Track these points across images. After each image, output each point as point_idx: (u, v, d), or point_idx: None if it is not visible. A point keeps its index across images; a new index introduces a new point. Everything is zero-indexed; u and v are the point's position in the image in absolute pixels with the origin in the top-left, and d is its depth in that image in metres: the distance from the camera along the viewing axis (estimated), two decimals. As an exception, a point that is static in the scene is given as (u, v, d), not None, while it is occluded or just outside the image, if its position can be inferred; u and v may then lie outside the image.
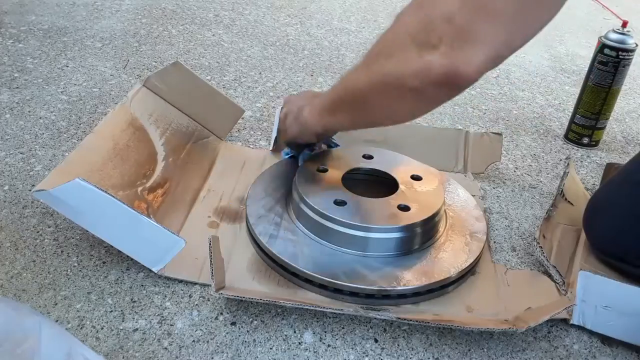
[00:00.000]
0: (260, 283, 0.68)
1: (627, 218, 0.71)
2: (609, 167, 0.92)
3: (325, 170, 0.78)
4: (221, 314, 0.65)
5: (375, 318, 0.65)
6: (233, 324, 0.64)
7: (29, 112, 1.02)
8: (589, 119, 1.08)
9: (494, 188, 0.93)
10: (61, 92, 1.10)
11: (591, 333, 0.66)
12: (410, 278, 0.67)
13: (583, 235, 0.77)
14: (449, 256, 0.71)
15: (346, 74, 0.68)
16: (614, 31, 1.03)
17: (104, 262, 0.70)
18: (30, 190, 0.81)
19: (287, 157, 0.89)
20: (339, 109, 0.70)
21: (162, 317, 0.63)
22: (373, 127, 0.77)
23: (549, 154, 1.06)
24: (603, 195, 0.77)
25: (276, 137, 0.94)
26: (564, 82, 1.42)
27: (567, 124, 1.13)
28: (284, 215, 0.75)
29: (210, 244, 0.62)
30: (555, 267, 0.72)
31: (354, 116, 0.68)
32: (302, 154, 0.84)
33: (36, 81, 1.13)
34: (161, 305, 0.65)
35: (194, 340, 0.61)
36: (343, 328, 0.64)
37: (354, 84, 0.65)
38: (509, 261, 0.77)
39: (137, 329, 0.62)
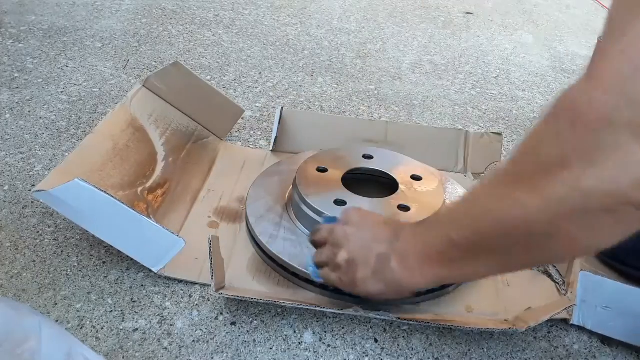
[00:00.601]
0: (260, 283, 0.68)
1: None
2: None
3: (325, 170, 0.78)
4: (221, 314, 0.65)
5: (375, 318, 0.65)
6: (233, 324, 0.64)
7: (29, 112, 1.02)
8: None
9: (494, 188, 0.93)
10: (61, 92, 1.10)
11: (591, 333, 0.66)
12: (410, 278, 0.67)
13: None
14: (449, 256, 0.71)
15: (472, 198, 0.49)
16: (614, 31, 1.03)
17: (104, 262, 0.70)
18: (30, 190, 0.81)
19: (317, 279, 0.64)
20: (473, 254, 0.48)
21: (162, 317, 0.63)
22: (531, 267, 0.57)
23: (549, 154, 1.06)
24: None
25: (276, 137, 0.94)
26: (564, 82, 1.42)
27: (567, 124, 1.13)
28: (284, 215, 0.75)
29: (210, 244, 0.62)
30: (555, 266, 0.72)
31: (506, 261, 0.48)
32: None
33: (36, 81, 1.13)
34: (161, 305, 0.65)
35: (194, 340, 0.61)
36: (343, 328, 0.64)
37: (506, 215, 0.44)
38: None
39: (137, 329, 0.62)
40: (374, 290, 0.56)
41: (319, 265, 0.61)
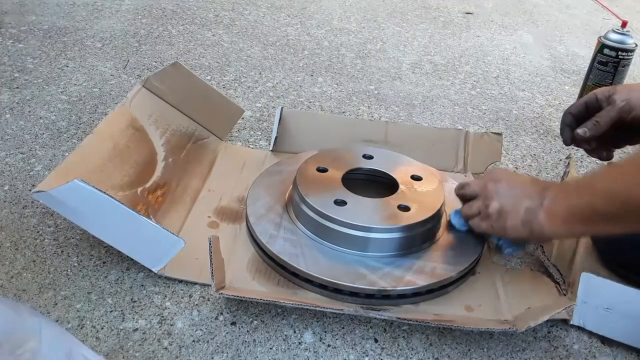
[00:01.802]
0: (260, 283, 0.68)
1: None
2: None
3: (325, 170, 0.78)
4: (221, 313, 0.65)
5: (375, 318, 0.65)
6: (233, 323, 0.64)
7: (29, 112, 1.02)
8: (588, 119, 1.07)
9: (494, 188, 0.93)
10: (61, 92, 1.10)
11: (591, 333, 0.66)
12: (410, 278, 0.67)
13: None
14: (449, 256, 0.71)
15: (620, 171, 0.58)
16: (614, 31, 1.03)
17: (104, 262, 0.70)
18: (30, 191, 0.81)
19: (462, 228, 0.74)
20: (615, 221, 0.57)
21: (162, 317, 0.63)
22: None
23: (549, 154, 1.07)
24: None
25: (276, 137, 0.94)
26: (563, 82, 1.42)
27: (567, 124, 1.13)
28: (284, 215, 0.75)
29: (210, 244, 0.62)
30: (555, 266, 0.72)
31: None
32: (508, 250, 0.72)
33: (36, 81, 1.13)
34: (161, 305, 0.65)
35: (194, 340, 0.61)
36: (343, 328, 0.64)
37: None
38: (509, 261, 0.77)
39: (137, 329, 0.62)
40: (521, 235, 0.66)
41: (468, 217, 0.72)
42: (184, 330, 0.62)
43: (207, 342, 0.61)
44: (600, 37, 1.03)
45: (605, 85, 1.04)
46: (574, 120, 0.77)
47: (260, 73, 1.28)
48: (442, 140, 0.96)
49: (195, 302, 0.66)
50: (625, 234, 0.61)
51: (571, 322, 0.66)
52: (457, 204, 0.81)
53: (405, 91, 1.26)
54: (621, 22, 1.04)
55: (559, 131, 1.16)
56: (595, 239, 0.74)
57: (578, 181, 0.65)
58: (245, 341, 0.62)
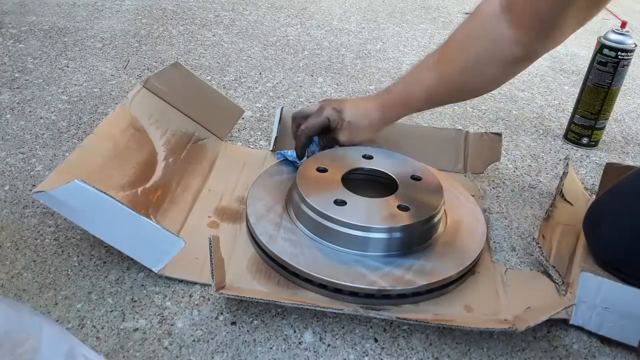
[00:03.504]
0: (260, 283, 0.68)
1: (632, 231, 0.70)
2: (609, 167, 0.92)
3: (325, 170, 0.78)
4: (221, 313, 0.65)
5: (375, 318, 0.65)
6: (233, 323, 0.64)
7: (30, 112, 1.02)
8: (588, 119, 1.08)
9: (493, 188, 0.93)
10: (62, 92, 1.10)
11: (590, 333, 0.66)
12: (410, 278, 0.67)
13: (582, 236, 0.77)
14: (448, 256, 0.71)
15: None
16: (613, 31, 1.03)
17: (104, 262, 0.70)
18: (30, 191, 0.81)
19: (283, 157, 0.89)
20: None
21: (163, 316, 0.64)
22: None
23: (549, 154, 1.07)
24: (607, 205, 0.76)
25: (276, 137, 0.94)
26: (563, 82, 1.42)
27: (566, 124, 1.13)
28: (284, 215, 0.75)
29: (210, 244, 0.62)
30: (554, 267, 0.72)
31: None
32: (308, 152, 0.85)
33: (37, 81, 1.13)
34: (161, 305, 0.65)
35: (194, 340, 0.61)
36: (343, 328, 0.65)
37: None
38: (508, 261, 0.77)
39: (137, 329, 0.62)
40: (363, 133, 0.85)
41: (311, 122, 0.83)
42: (184, 330, 0.62)
43: (207, 341, 0.61)
44: (599, 38, 1.03)
45: (605, 85, 1.04)
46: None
47: (260, 73, 1.28)
48: (442, 140, 0.96)
49: (196, 302, 0.66)
50: (611, 235, 0.71)
51: (571, 322, 0.66)
52: (458, 203, 0.81)
53: (405, 91, 1.26)
54: (621, 22, 1.04)
55: (558, 131, 1.16)
56: (591, 243, 0.74)
57: (403, 93, 0.81)
58: (246, 341, 0.62)
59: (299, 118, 0.85)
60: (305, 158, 0.85)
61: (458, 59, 0.74)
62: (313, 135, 0.84)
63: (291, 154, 0.87)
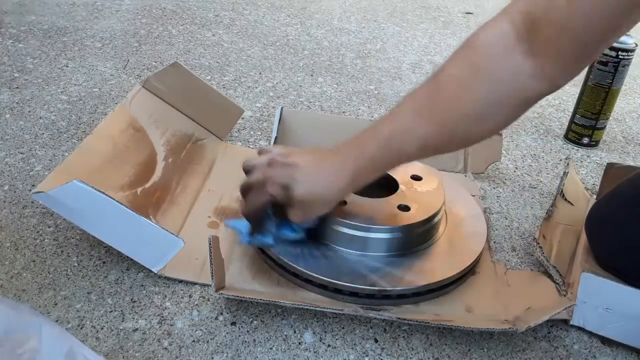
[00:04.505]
0: (260, 283, 0.68)
1: (633, 233, 0.70)
2: (609, 167, 0.92)
3: (325, 170, 0.78)
4: (221, 314, 0.65)
5: (375, 318, 0.65)
6: (233, 324, 0.64)
7: (29, 112, 1.02)
8: (589, 119, 1.08)
9: (494, 188, 0.93)
10: (61, 92, 1.10)
11: (591, 333, 0.66)
12: (410, 278, 0.67)
13: (583, 236, 0.77)
14: (449, 256, 0.71)
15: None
16: (614, 31, 1.03)
17: (104, 262, 0.70)
18: (30, 191, 0.81)
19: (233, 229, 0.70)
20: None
21: (162, 317, 0.63)
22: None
23: (549, 154, 1.07)
24: (609, 206, 0.75)
25: (276, 137, 0.94)
26: (564, 82, 1.41)
27: (567, 124, 1.13)
28: (284, 216, 0.75)
29: (210, 244, 0.62)
30: (555, 267, 0.72)
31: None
32: (275, 234, 0.68)
33: (36, 81, 1.13)
34: (161, 305, 0.65)
35: (194, 340, 0.61)
36: (343, 328, 0.64)
37: None
38: (509, 261, 0.77)
39: (137, 329, 0.62)
40: (303, 214, 0.66)
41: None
42: (184, 330, 0.62)
43: (207, 342, 0.61)
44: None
45: (606, 85, 1.04)
46: None
47: (260, 73, 1.28)
48: (442, 140, 0.96)
49: (195, 302, 0.66)
50: (614, 238, 0.69)
51: (571, 322, 0.66)
52: (458, 203, 0.81)
53: (406, 91, 1.25)
54: (621, 22, 1.04)
55: (559, 131, 1.16)
56: (593, 244, 0.74)
57: (386, 151, 0.61)
58: (245, 341, 0.62)
59: (242, 187, 0.68)
60: (261, 235, 0.68)
61: (460, 104, 0.57)
62: (257, 217, 0.66)
63: (242, 227, 0.68)
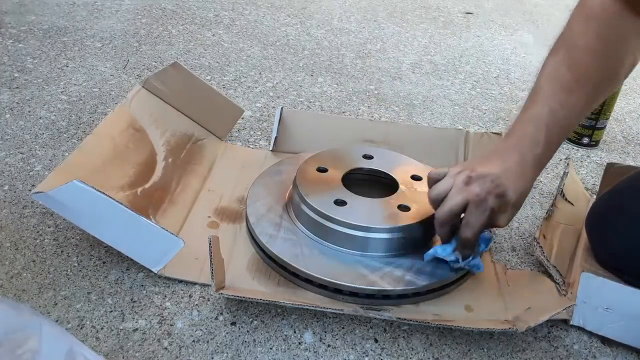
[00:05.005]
0: (260, 283, 0.68)
1: (634, 232, 0.70)
2: (609, 167, 0.92)
3: (325, 170, 0.78)
4: (221, 314, 0.65)
5: (375, 318, 0.65)
6: (233, 324, 0.64)
7: (29, 112, 1.02)
8: (589, 119, 1.08)
9: (494, 188, 0.93)
10: (61, 92, 1.10)
11: (591, 333, 0.66)
12: (411, 278, 0.67)
13: (583, 236, 0.77)
14: (449, 256, 0.71)
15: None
16: (614, 31, 1.03)
17: (104, 262, 0.70)
18: (30, 191, 0.81)
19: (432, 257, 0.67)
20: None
21: (162, 317, 0.63)
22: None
23: (549, 154, 1.06)
24: (609, 205, 0.75)
25: (276, 137, 0.94)
26: (563, 82, 1.41)
27: (567, 124, 1.13)
28: (284, 215, 0.75)
29: (210, 244, 0.62)
30: (555, 267, 0.72)
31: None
32: (481, 245, 0.67)
33: (36, 81, 1.13)
34: (161, 305, 0.65)
35: (194, 340, 0.61)
36: (343, 328, 0.64)
37: None
38: (509, 261, 0.77)
39: (137, 329, 0.62)
40: (503, 221, 0.66)
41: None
42: (184, 330, 0.62)
43: (207, 342, 0.61)
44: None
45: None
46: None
47: (260, 73, 1.28)
48: (442, 140, 0.96)
49: (195, 302, 0.66)
50: (614, 237, 0.70)
51: (571, 322, 0.66)
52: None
53: (405, 91, 1.26)
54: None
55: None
56: (592, 244, 0.74)
57: (558, 132, 0.66)
58: (245, 341, 0.62)
59: (442, 218, 0.65)
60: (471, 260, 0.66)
61: (600, 72, 0.65)
62: (474, 239, 0.65)
63: (445, 252, 0.66)
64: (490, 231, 0.68)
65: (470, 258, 0.66)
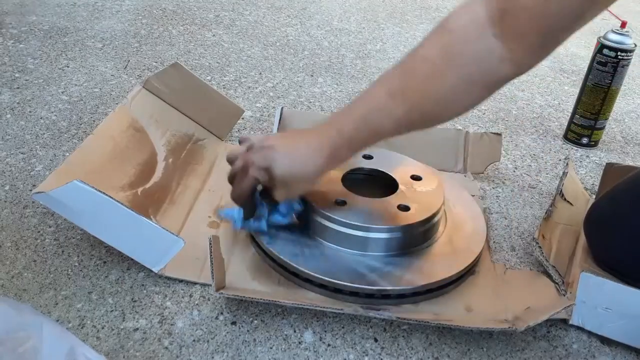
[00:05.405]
0: (260, 283, 0.68)
1: (632, 232, 0.70)
2: (609, 167, 0.92)
3: (325, 171, 0.78)
4: (221, 313, 0.65)
5: (375, 318, 0.65)
6: (233, 323, 0.64)
7: (30, 112, 1.02)
8: (588, 119, 1.08)
9: (493, 188, 0.93)
10: (62, 92, 1.10)
11: (590, 333, 0.66)
12: (410, 278, 0.67)
13: (582, 235, 0.77)
14: (448, 256, 0.71)
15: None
16: (613, 31, 1.03)
17: (104, 262, 0.70)
18: (30, 191, 0.81)
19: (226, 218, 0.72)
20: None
21: (163, 316, 0.64)
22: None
23: (549, 154, 1.07)
24: (608, 206, 0.75)
25: None
26: (563, 82, 1.42)
27: (566, 124, 1.13)
28: (284, 215, 0.75)
29: (210, 244, 0.62)
30: (554, 267, 0.72)
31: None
32: (277, 214, 0.70)
33: (37, 81, 1.13)
34: (162, 304, 0.65)
35: (194, 340, 0.61)
36: (343, 328, 0.65)
37: None
38: (508, 261, 0.77)
39: (137, 329, 0.62)
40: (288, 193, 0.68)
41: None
42: (185, 329, 0.62)
43: (208, 341, 0.61)
44: (599, 38, 1.03)
45: (605, 85, 1.04)
46: None
47: (260, 73, 1.28)
48: (442, 140, 0.96)
49: (196, 302, 0.66)
50: (613, 238, 0.70)
51: (570, 322, 0.66)
52: (458, 203, 0.81)
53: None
54: (620, 22, 1.04)
55: (558, 131, 1.16)
56: (592, 244, 0.74)
57: (363, 128, 0.63)
58: (246, 341, 0.62)
59: (228, 177, 0.70)
60: (254, 221, 0.70)
61: (432, 87, 0.59)
62: (245, 200, 0.69)
63: (234, 214, 0.71)
64: (300, 203, 0.70)
65: (252, 221, 0.70)
